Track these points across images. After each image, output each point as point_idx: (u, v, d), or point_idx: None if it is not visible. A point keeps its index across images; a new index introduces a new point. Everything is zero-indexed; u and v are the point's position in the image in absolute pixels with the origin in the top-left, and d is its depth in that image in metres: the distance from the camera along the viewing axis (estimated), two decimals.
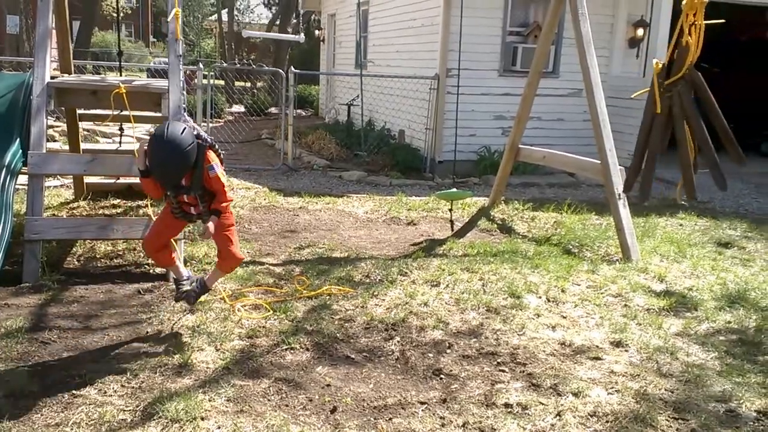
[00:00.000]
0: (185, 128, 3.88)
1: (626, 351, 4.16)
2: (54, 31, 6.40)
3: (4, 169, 5.18)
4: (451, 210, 7.08)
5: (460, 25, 8.18)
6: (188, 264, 5.34)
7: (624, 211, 6.06)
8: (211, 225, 4.00)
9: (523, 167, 9.93)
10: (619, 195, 6.08)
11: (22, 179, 5.67)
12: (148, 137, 4.06)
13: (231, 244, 4.14)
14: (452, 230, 6.95)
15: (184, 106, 5.63)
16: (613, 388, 3.68)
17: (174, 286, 4.48)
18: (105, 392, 3.45)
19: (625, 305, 4.89)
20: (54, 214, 6.79)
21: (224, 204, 4.08)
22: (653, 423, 3.33)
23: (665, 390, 3.68)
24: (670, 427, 3.33)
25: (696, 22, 3.69)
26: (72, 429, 3.11)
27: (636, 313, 4.74)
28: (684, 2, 3.89)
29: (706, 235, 7.12)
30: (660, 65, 3.90)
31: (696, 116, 4.04)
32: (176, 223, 4.28)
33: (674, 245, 6.44)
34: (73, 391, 3.44)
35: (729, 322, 4.65)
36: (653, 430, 3.28)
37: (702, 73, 4.09)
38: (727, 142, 4.18)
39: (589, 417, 3.39)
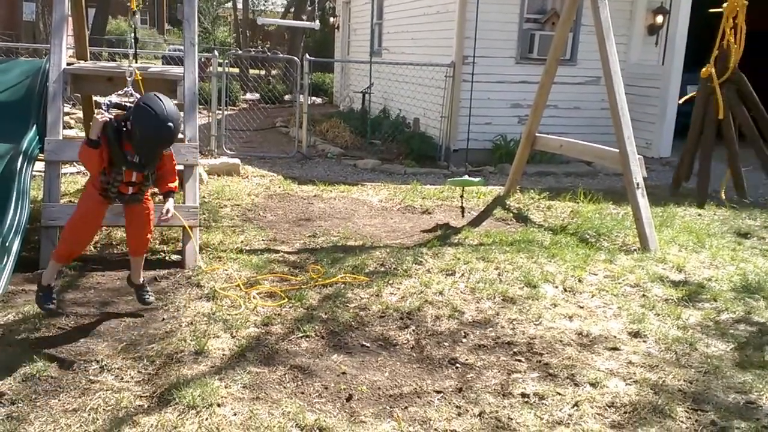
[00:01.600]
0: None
1: (644, 341, 4.12)
2: (70, 18, 6.40)
3: (21, 156, 5.20)
4: (462, 197, 7.04)
5: (477, 11, 8.11)
6: (203, 251, 5.35)
7: (642, 201, 5.99)
8: (171, 207, 4.00)
9: (539, 156, 9.85)
10: (638, 184, 6.01)
11: (39, 166, 5.70)
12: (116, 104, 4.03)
13: (151, 232, 4.26)
14: (462, 216, 6.92)
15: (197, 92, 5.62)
16: (631, 378, 3.64)
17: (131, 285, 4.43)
18: (122, 378, 3.47)
19: (643, 295, 4.84)
20: (71, 201, 6.81)
21: (175, 185, 4.11)
22: (672, 414, 3.30)
23: (684, 381, 3.64)
24: (689, 418, 3.29)
25: (737, 23, 3.66)
26: (89, 414, 3.12)
27: (654, 303, 4.69)
28: (725, 5, 3.88)
29: (725, 225, 7.03)
30: (709, 70, 3.86)
31: (745, 114, 4.03)
32: (104, 207, 4.10)
33: (693, 235, 6.36)
34: (90, 377, 3.46)
35: (749, 313, 4.59)
36: (672, 422, 3.24)
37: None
38: None
39: (606, 408, 3.36)
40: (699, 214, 7.52)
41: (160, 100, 3.74)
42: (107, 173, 3.91)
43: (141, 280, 4.35)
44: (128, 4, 5.29)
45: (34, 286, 4.62)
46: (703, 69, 3.96)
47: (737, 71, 3.83)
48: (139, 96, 4.07)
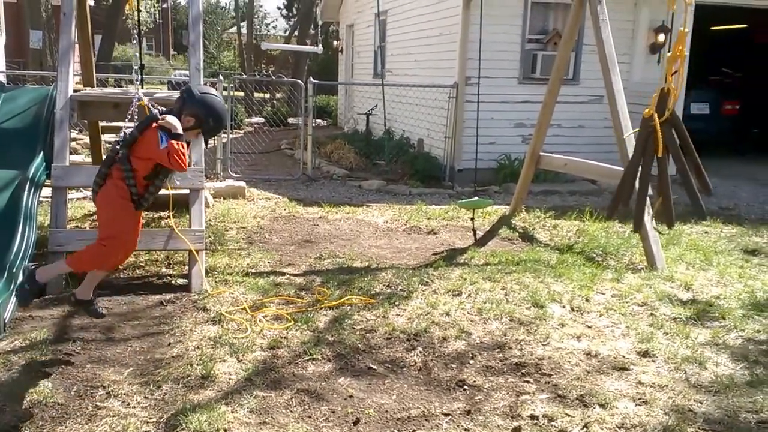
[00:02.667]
0: None
1: (653, 361, 4.08)
2: (76, 45, 6.48)
3: (28, 182, 5.24)
4: (473, 219, 7.04)
5: (480, 33, 8.16)
6: (209, 275, 5.35)
7: (648, 219, 5.97)
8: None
9: (544, 175, 9.85)
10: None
11: (46, 191, 5.74)
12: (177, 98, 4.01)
13: None
14: (475, 239, 6.90)
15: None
16: (641, 399, 3.61)
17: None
18: (128, 404, 3.45)
19: (651, 314, 4.81)
20: (77, 226, 6.85)
21: None
22: None
23: (694, 401, 3.60)
24: None
25: (677, 71, 4.49)
26: None
27: (662, 322, 4.66)
28: (668, 55, 4.43)
29: (732, 243, 7.00)
30: (649, 111, 4.63)
31: (678, 152, 4.53)
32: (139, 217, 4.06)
33: (700, 253, 6.34)
34: (97, 403, 3.44)
35: (758, 331, 4.56)
36: None
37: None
38: (698, 174, 4.92)
39: (617, 429, 3.32)
40: (706, 232, 7.50)
41: (207, 89, 4.03)
42: (159, 176, 3.91)
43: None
44: (133, 31, 5.34)
45: (41, 312, 4.64)
46: (645, 110, 4.53)
47: (674, 113, 4.39)
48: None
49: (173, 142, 3.74)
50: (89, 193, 8.08)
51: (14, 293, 3.92)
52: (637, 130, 4.70)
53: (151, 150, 3.79)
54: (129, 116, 4.54)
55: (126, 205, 3.87)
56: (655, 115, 4.61)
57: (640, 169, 4.80)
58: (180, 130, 3.78)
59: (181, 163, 3.76)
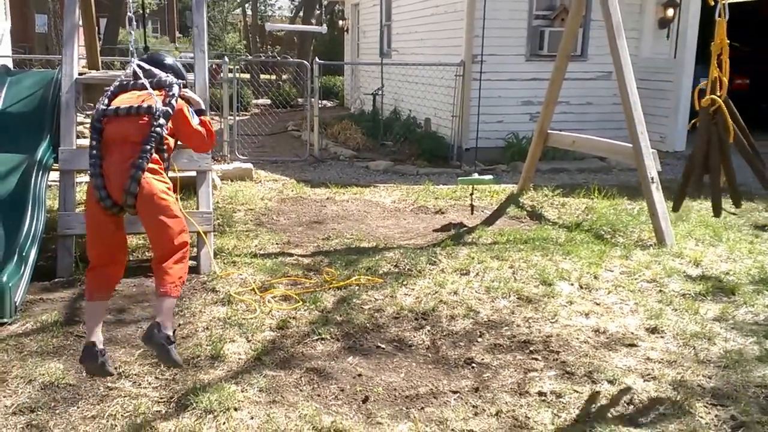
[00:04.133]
0: None
1: (662, 337, 4.08)
2: (81, 29, 6.46)
3: (36, 165, 5.25)
4: (471, 195, 7.02)
5: (484, 9, 8.08)
6: (218, 257, 5.37)
7: (657, 195, 5.94)
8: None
9: (552, 153, 9.79)
10: (652, 178, 5.96)
11: (54, 175, 5.75)
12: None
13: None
14: (472, 214, 6.91)
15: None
16: (649, 375, 3.61)
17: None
18: (139, 384, 3.49)
19: (660, 291, 4.80)
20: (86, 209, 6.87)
21: None
22: (691, 410, 3.26)
23: (703, 376, 3.60)
24: (709, 413, 3.26)
25: (722, 58, 4.38)
26: (108, 421, 3.15)
27: (671, 298, 4.64)
28: (712, 44, 4.33)
29: (741, 218, 6.95)
30: (707, 100, 4.51)
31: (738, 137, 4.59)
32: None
33: (709, 229, 6.30)
34: (108, 384, 3.48)
35: (767, 306, 4.54)
36: (691, 418, 3.21)
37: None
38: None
39: (625, 405, 3.33)
40: None
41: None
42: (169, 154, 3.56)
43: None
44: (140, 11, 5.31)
45: (51, 294, 4.68)
46: (704, 99, 4.52)
47: (727, 100, 4.43)
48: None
49: (199, 117, 3.65)
50: None
51: (164, 357, 3.21)
52: (696, 119, 4.70)
53: (185, 126, 3.55)
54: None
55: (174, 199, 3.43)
56: (722, 102, 4.50)
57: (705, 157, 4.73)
58: (203, 105, 3.70)
59: (210, 136, 3.67)
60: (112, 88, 3.59)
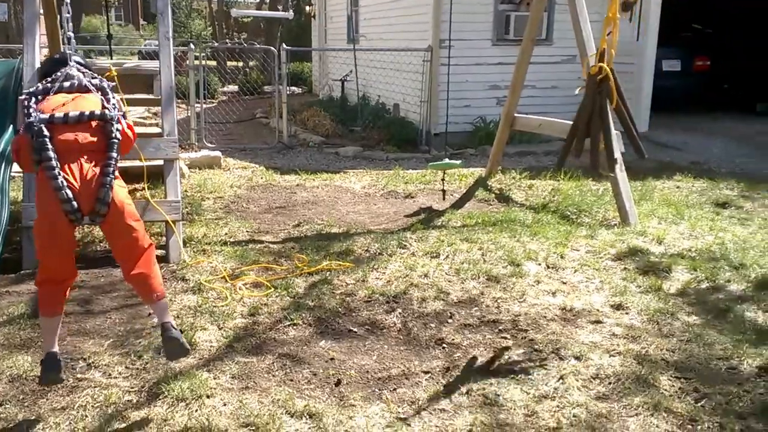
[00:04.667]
0: None
1: (627, 314, 4.18)
2: (42, 17, 6.32)
3: None
4: (443, 180, 7.09)
5: None
6: (187, 245, 5.34)
7: (621, 175, 6.04)
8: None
9: (519, 136, 9.86)
10: (616, 159, 6.05)
11: (17, 167, 5.64)
12: None
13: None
14: (444, 199, 6.98)
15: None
16: (614, 350, 3.70)
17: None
18: (110, 374, 3.47)
19: (625, 268, 4.91)
20: None
21: None
22: (656, 383, 3.36)
23: (667, 350, 3.71)
24: (673, 386, 3.36)
25: (611, 32, 5.16)
26: (78, 412, 3.13)
27: (635, 276, 4.75)
28: (604, 19, 5.10)
29: (703, 196, 7.12)
30: (595, 69, 5.20)
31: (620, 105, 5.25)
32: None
33: (672, 207, 6.44)
34: (78, 375, 3.46)
35: (728, 281, 4.67)
36: (656, 390, 3.31)
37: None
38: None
39: (591, 380, 3.42)
40: (678, 187, 7.61)
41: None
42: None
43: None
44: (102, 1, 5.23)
45: (17, 287, 4.62)
46: (592, 68, 5.20)
47: (612, 71, 5.19)
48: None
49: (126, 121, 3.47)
50: None
51: (182, 350, 3.26)
52: (583, 86, 5.26)
53: (123, 131, 3.37)
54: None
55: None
56: (608, 69, 5.14)
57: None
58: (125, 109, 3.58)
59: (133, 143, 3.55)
60: (35, 90, 3.38)
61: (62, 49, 3.47)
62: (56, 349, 3.20)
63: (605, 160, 5.36)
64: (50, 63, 3.76)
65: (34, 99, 3.30)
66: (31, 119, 3.15)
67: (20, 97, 3.44)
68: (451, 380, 3.44)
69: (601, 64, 5.09)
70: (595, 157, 5.10)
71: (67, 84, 3.41)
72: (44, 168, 3.07)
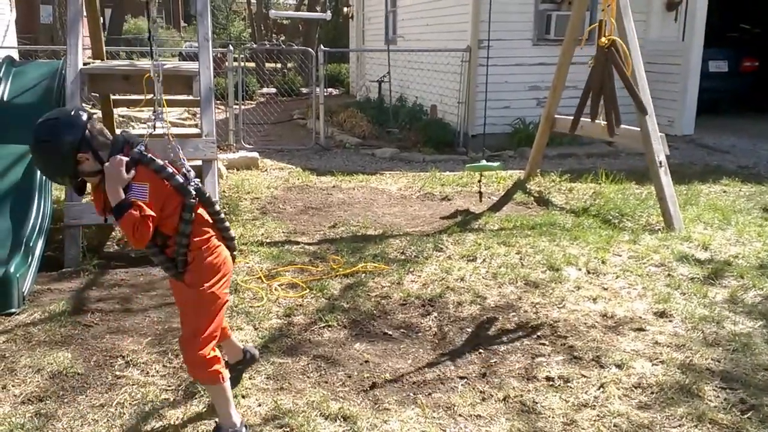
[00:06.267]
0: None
1: (670, 321, 4.06)
2: (85, 19, 6.44)
3: None
4: (479, 181, 7.00)
5: None
6: None
7: (665, 179, 5.89)
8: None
9: (559, 138, 9.72)
10: (660, 162, 5.91)
11: None
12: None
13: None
14: (480, 201, 6.90)
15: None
16: (657, 359, 3.59)
17: None
18: (147, 373, 3.50)
19: (669, 275, 4.77)
20: (93, 200, 6.88)
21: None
22: (700, 393, 3.25)
23: (712, 360, 3.58)
24: (718, 397, 3.24)
25: (610, 5, 5.79)
26: (116, 409, 3.16)
27: (680, 282, 4.62)
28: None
29: (751, 201, 6.90)
30: (604, 40, 5.72)
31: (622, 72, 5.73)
32: None
33: (718, 212, 6.25)
34: (117, 372, 3.49)
35: None
36: (700, 401, 3.19)
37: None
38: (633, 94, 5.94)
39: (633, 389, 3.32)
40: (724, 191, 7.39)
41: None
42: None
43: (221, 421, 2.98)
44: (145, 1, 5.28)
45: (59, 284, 4.70)
46: (602, 39, 5.74)
47: (615, 41, 5.72)
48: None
49: None
50: None
51: None
52: (593, 57, 5.85)
53: None
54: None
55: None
56: (620, 42, 5.71)
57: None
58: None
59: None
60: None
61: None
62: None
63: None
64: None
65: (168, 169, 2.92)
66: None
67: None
68: (487, 386, 3.38)
69: (612, 37, 5.69)
70: (610, 119, 5.74)
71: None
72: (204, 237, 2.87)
